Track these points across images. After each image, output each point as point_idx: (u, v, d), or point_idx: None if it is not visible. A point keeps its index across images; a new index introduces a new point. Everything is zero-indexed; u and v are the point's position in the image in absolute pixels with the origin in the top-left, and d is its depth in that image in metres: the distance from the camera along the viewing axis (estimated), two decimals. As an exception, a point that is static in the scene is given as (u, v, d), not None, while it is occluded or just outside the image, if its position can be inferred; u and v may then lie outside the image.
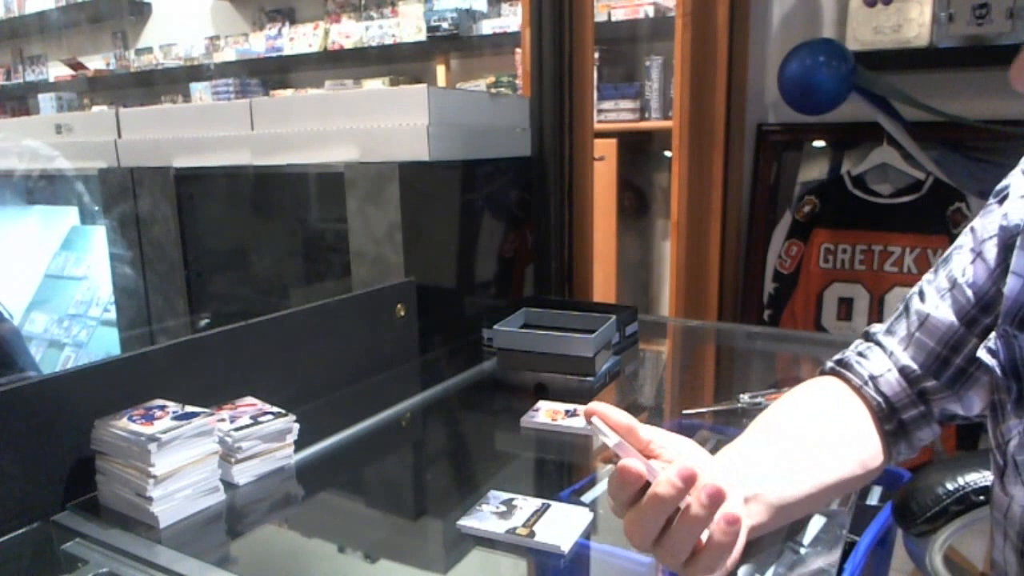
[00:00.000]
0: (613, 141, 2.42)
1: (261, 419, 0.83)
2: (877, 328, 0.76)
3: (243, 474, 0.80)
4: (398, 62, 3.42)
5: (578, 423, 0.95)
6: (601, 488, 0.81)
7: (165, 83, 4.21)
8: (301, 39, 3.56)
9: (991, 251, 0.67)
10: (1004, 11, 1.78)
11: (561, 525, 0.69)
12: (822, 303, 2.09)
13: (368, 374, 1.15)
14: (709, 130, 2.02)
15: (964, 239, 0.71)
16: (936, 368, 0.69)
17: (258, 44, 3.72)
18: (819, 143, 2.16)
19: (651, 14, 2.51)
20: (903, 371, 0.70)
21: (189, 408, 0.77)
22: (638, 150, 2.60)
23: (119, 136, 1.70)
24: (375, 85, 3.39)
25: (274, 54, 3.63)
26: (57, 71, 4.72)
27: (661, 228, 2.65)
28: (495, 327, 1.21)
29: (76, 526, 0.73)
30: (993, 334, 0.63)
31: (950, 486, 0.99)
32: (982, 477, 0.99)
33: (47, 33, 4.68)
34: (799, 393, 0.74)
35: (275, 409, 0.85)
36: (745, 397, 1.02)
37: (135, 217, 1.64)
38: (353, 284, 1.31)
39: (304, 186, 1.54)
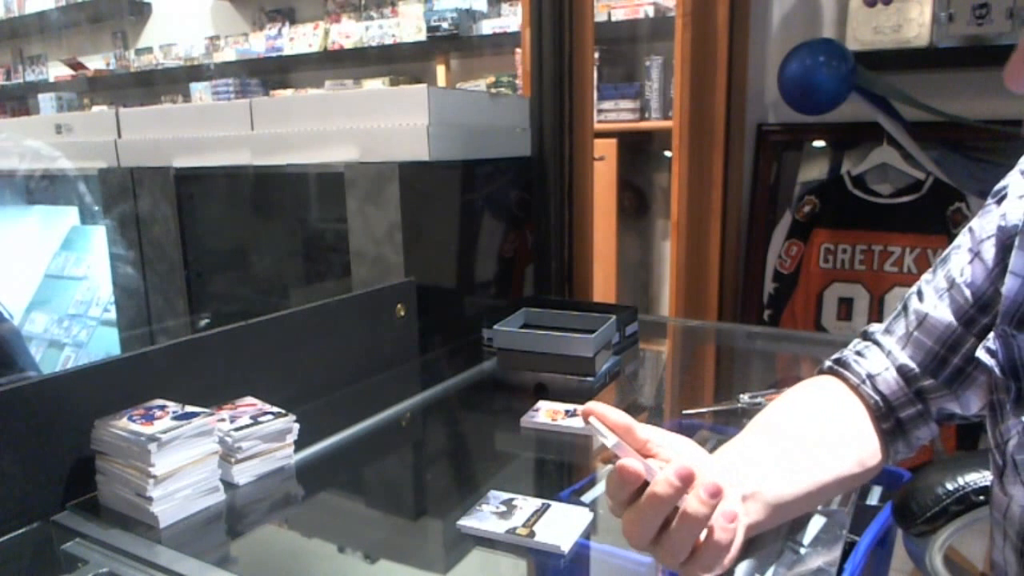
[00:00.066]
0: (613, 141, 2.42)
1: (261, 419, 0.83)
2: (875, 327, 0.76)
3: (243, 474, 0.80)
4: (398, 62, 3.42)
5: (578, 423, 0.95)
6: (601, 488, 0.81)
7: (165, 83, 4.21)
8: (301, 39, 3.56)
9: (989, 251, 0.67)
10: (1004, 11, 1.78)
11: (561, 525, 0.69)
12: (822, 303, 2.09)
13: (368, 374, 1.15)
14: (709, 130, 2.02)
15: (962, 239, 0.71)
16: (934, 367, 0.69)
17: (258, 44, 3.72)
18: (819, 143, 2.16)
19: (651, 14, 2.51)
20: (901, 370, 0.71)
21: (189, 408, 0.77)
22: (638, 150, 2.60)
23: (119, 136, 1.70)
24: (375, 85, 3.39)
25: (274, 54, 3.64)
26: (57, 71, 4.72)
27: (661, 228, 2.65)
28: (495, 327, 1.21)
29: (76, 526, 0.73)
30: (992, 334, 0.63)
31: (950, 486, 0.99)
32: (982, 477, 0.99)
33: (47, 33, 4.68)
34: (798, 392, 0.74)
35: (275, 409, 0.85)
36: (745, 397, 1.02)
37: (135, 217, 1.64)
38: (353, 284, 1.31)
39: (304, 186, 1.54)
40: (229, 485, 0.79)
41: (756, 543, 0.62)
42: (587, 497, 0.79)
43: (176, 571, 0.65)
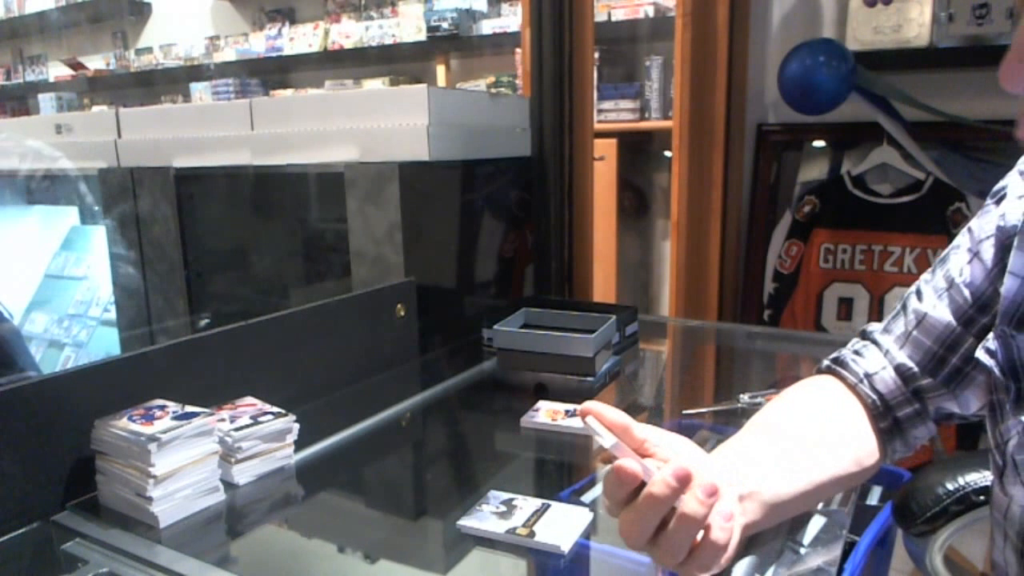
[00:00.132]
0: (613, 141, 2.42)
1: (261, 419, 0.83)
2: (874, 327, 0.76)
3: (243, 474, 0.80)
4: (398, 62, 3.42)
5: (578, 423, 0.95)
6: (601, 488, 0.81)
7: (165, 83, 4.21)
8: (301, 39, 3.56)
9: (988, 251, 0.67)
10: (1004, 11, 1.78)
11: (561, 525, 0.69)
12: (822, 303, 2.09)
13: (368, 374, 1.16)
14: (709, 130, 2.02)
15: (961, 239, 0.71)
16: (932, 367, 0.69)
17: (258, 44, 3.72)
18: (819, 143, 2.16)
19: (651, 14, 2.51)
20: (899, 369, 0.71)
21: (189, 408, 0.77)
22: (638, 150, 2.60)
23: (119, 136, 1.70)
24: (375, 85, 3.39)
25: (274, 54, 3.64)
26: (57, 71, 4.72)
27: (661, 228, 2.65)
28: (495, 327, 1.21)
29: (76, 526, 0.73)
30: (991, 334, 0.63)
31: (950, 486, 0.99)
32: (982, 477, 0.99)
33: (47, 33, 4.68)
34: (796, 392, 0.74)
35: (275, 409, 0.85)
36: (745, 397, 1.02)
37: (135, 217, 1.64)
38: (353, 284, 1.31)
39: (304, 186, 1.54)
40: (229, 485, 0.79)
41: (755, 542, 0.62)
42: (587, 497, 0.79)
43: (176, 571, 0.65)
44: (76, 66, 4.53)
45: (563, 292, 1.68)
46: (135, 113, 1.70)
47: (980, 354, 0.63)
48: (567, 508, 0.73)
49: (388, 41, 3.28)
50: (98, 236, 1.87)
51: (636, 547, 0.53)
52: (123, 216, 1.65)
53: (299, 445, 0.87)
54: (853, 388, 0.72)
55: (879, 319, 0.86)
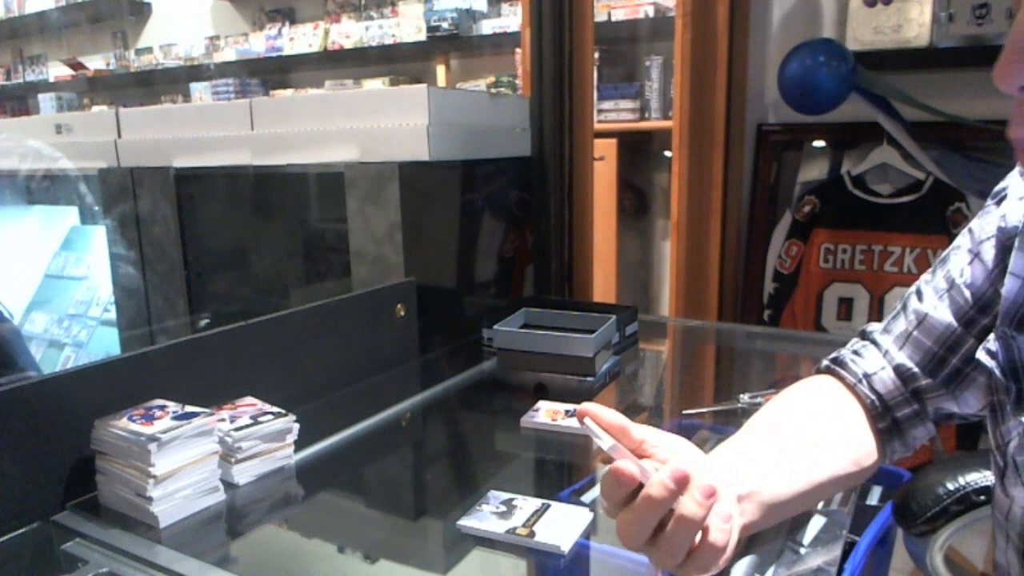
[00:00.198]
0: (613, 141, 2.42)
1: (261, 419, 0.83)
2: (874, 327, 0.76)
3: (243, 474, 0.80)
4: (398, 62, 3.42)
5: (578, 423, 0.94)
6: (600, 488, 0.81)
7: (165, 83, 4.21)
8: (301, 39, 3.56)
9: (989, 252, 0.67)
10: (1004, 11, 1.78)
11: (561, 525, 0.69)
12: (822, 303, 2.09)
13: (368, 374, 1.16)
14: (709, 130, 2.02)
15: (962, 240, 0.71)
16: (932, 367, 0.69)
17: (258, 44, 3.72)
18: (819, 143, 2.16)
19: (651, 14, 2.51)
20: (898, 370, 0.71)
21: (189, 408, 0.77)
22: (638, 150, 2.60)
23: (119, 136, 1.70)
24: (375, 85, 3.39)
25: (274, 54, 3.64)
26: (57, 71, 4.72)
27: (661, 228, 2.65)
28: (495, 327, 1.21)
29: (76, 526, 0.73)
30: (992, 335, 0.63)
31: (950, 486, 0.99)
32: (982, 477, 0.99)
33: (47, 33, 4.68)
34: (795, 392, 0.74)
35: (275, 409, 0.85)
36: (745, 397, 1.02)
37: (135, 217, 1.64)
38: (353, 284, 1.31)
39: (304, 186, 1.54)
40: (229, 485, 0.79)
41: (755, 542, 0.62)
42: (587, 497, 0.79)
43: (176, 571, 0.65)
44: (76, 66, 4.53)
45: (563, 292, 1.68)
46: (135, 113, 1.70)
47: (981, 355, 0.63)
48: (567, 508, 0.73)
49: (388, 41, 3.28)
50: (98, 236, 1.87)
51: (634, 548, 0.53)
52: (123, 216, 1.65)
53: (299, 445, 0.87)
54: (852, 388, 0.72)
55: (879, 319, 0.86)
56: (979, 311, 0.67)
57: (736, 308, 2.26)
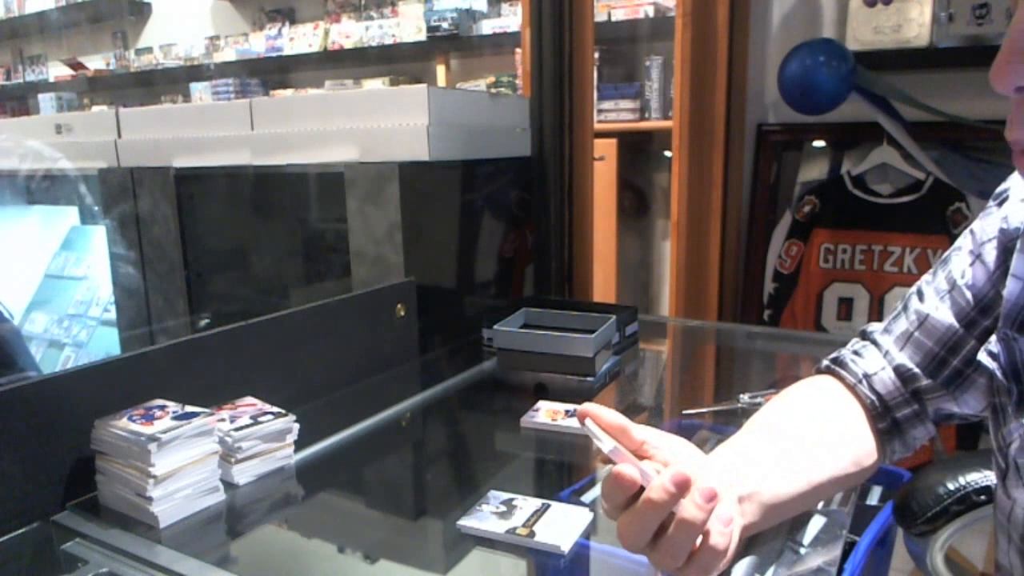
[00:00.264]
0: (613, 141, 2.42)
1: (261, 419, 0.83)
2: (874, 327, 0.76)
3: (243, 474, 0.80)
4: (398, 62, 3.42)
5: (578, 423, 0.94)
6: (600, 489, 0.81)
7: (165, 83, 4.21)
8: (301, 39, 3.56)
9: (990, 253, 0.67)
10: (1004, 11, 1.78)
11: (561, 525, 0.69)
12: (822, 303, 2.09)
13: (368, 374, 1.15)
14: (709, 130, 2.02)
15: (963, 241, 0.71)
16: (933, 368, 0.69)
17: (258, 44, 3.72)
18: (819, 143, 2.16)
19: (651, 14, 2.51)
20: (898, 370, 0.71)
21: (189, 408, 0.77)
22: (638, 150, 2.60)
23: (119, 136, 1.70)
24: (375, 85, 3.39)
25: (274, 54, 3.64)
26: (57, 71, 4.72)
27: (661, 228, 2.65)
28: (495, 327, 1.21)
29: (76, 526, 0.73)
30: (993, 337, 0.63)
31: (951, 486, 0.99)
32: (983, 477, 0.99)
33: (47, 33, 4.68)
34: (795, 392, 0.74)
35: (275, 409, 0.85)
36: (745, 397, 1.02)
37: (135, 217, 1.64)
38: (353, 284, 1.31)
39: (304, 186, 1.54)
40: (229, 485, 0.79)
41: (755, 542, 0.62)
42: (587, 497, 0.79)
43: (176, 571, 0.65)
44: (76, 66, 4.53)
45: (563, 292, 1.68)
46: (135, 113, 1.70)
47: (982, 357, 0.63)
48: (567, 508, 0.73)
49: (388, 41, 3.28)
50: (98, 236, 1.87)
51: (634, 550, 0.53)
52: (123, 216, 1.65)
53: (299, 445, 0.87)
54: (852, 388, 0.72)
55: (879, 319, 0.86)
56: (980, 312, 0.67)
57: (736, 308, 2.26)
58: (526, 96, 1.62)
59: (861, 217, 2.04)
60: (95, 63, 4.54)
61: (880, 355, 0.73)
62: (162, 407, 0.77)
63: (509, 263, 1.58)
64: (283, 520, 0.78)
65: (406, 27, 3.20)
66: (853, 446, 0.68)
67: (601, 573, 0.69)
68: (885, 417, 0.70)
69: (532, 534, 0.68)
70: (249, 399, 0.88)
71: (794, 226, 2.13)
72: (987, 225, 0.69)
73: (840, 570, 0.64)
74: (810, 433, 0.67)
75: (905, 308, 0.73)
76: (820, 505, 0.71)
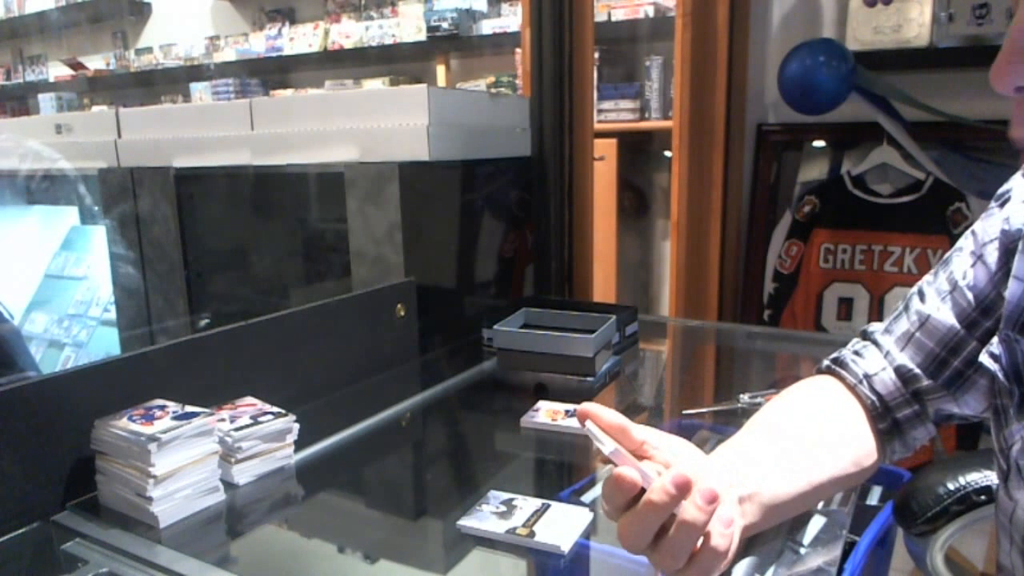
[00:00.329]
0: (613, 141, 2.42)
1: (261, 419, 0.83)
2: (875, 327, 0.76)
3: (243, 474, 0.80)
4: (398, 62, 3.42)
5: (578, 423, 0.94)
6: (600, 490, 0.81)
7: (165, 83, 4.21)
8: (301, 39, 3.56)
9: (992, 254, 0.67)
10: (1004, 11, 1.78)
11: (561, 525, 0.69)
12: (822, 303, 2.09)
13: (368, 374, 1.15)
14: (709, 130, 2.02)
15: (964, 242, 0.71)
16: (933, 369, 0.69)
17: (258, 44, 3.72)
18: (819, 143, 2.16)
19: (651, 14, 2.51)
20: (899, 371, 0.71)
21: (189, 408, 0.77)
22: (638, 150, 2.60)
23: (119, 136, 1.70)
24: (375, 85, 3.39)
25: (274, 54, 3.64)
26: (57, 71, 4.72)
27: (661, 228, 2.65)
28: (495, 327, 1.21)
29: (76, 526, 0.73)
30: (995, 338, 0.63)
31: (951, 486, 0.99)
32: (983, 477, 0.99)
33: (47, 33, 4.68)
34: (796, 392, 0.74)
35: (275, 409, 0.85)
36: (745, 397, 1.02)
37: (135, 217, 1.64)
38: (353, 284, 1.31)
39: (304, 186, 1.54)
40: (229, 485, 0.79)
41: (755, 542, 0.62)
42: (587, 497, 0.79)
43: (176, 571, 0.65)
44: (76, 66, 4.53)
45: (563, 292, 1.68)
46: (135, 113, 1.69)
47: (984, 358, 0.63)
48: (567, 508, 0.73)
49: (388, 41, 3.28)
50: (98, 236, 1.87)
51: (635, 551, 0.53)
52: (123, 216, 1.65)
53: (299, 445, 0.87)
54: (852, 389, 0.72)
55: (879, 319, 0.86)
56: (981, 313, 0.67)
57: (736, 308, 2.26)
58: (526, 96, 1.62)
59: (861, 217, 2.04)
60: (95, 63, 4.54)
61: (881, 355, 0.72)
62: (162, 407, 0.77)
63: (509, 263, 1.58)
64: (283, 520, 0.78)
65: (406, 27, 3.20)
66: (853, 446, 0.68)
67: (601, 573, 0.69)
68: (885, 417, 0.70)
69: (532, 534, 0.68)
70: (249, 399, 0.88)
71: (794, 226, 2.13)
72: (989, 226, 0.69)
73: (840, 570, 0.64)
74: (810, 433, 0.67)
75: (906, 308, 0.73)
76: (820, 505, 0.71)
